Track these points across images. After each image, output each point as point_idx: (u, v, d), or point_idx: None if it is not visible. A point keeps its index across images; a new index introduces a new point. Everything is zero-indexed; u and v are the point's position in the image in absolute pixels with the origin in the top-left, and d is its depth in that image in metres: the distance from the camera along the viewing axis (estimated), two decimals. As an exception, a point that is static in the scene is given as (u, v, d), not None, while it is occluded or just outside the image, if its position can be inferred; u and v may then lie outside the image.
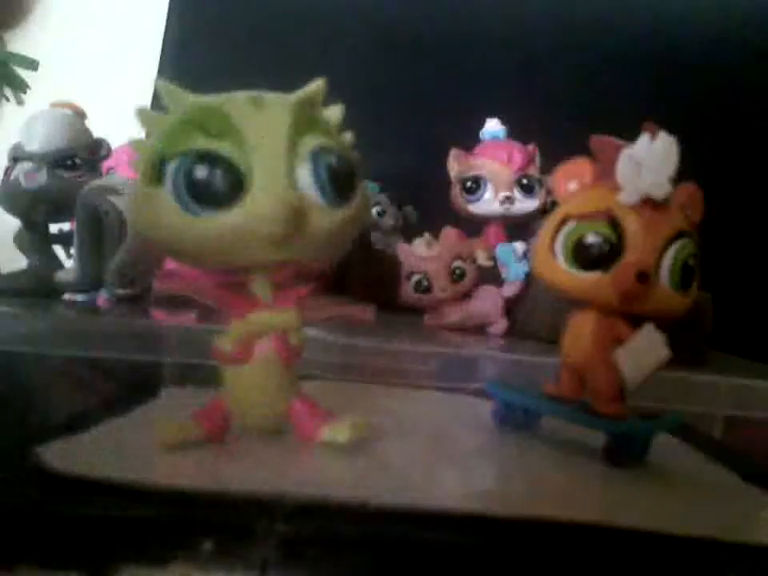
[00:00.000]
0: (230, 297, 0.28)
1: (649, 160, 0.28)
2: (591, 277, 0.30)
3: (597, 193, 0.30)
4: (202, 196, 0.24)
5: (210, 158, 0.24)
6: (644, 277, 0.28)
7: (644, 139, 0.29)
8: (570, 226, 0.30)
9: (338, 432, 0.27)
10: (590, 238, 0.29)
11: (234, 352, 0.27)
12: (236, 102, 0.26)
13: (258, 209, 0.24)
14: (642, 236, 0.29)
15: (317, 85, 0.27)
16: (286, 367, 0.28)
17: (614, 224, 0.29)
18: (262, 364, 0.27)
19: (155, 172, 0.25)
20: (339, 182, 0.25)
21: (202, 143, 0.24)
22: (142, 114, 0.26)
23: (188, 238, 0.25)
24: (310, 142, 0.25)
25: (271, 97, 0.26)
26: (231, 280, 0.28)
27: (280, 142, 0.25)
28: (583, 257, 0.30)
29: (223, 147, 0.24)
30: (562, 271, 0.30)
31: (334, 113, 0.27)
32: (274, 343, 0.27)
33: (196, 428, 0.27)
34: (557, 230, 0.31)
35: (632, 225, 0.29)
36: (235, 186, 0.24)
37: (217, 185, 0.24)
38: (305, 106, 0.26)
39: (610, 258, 0.29)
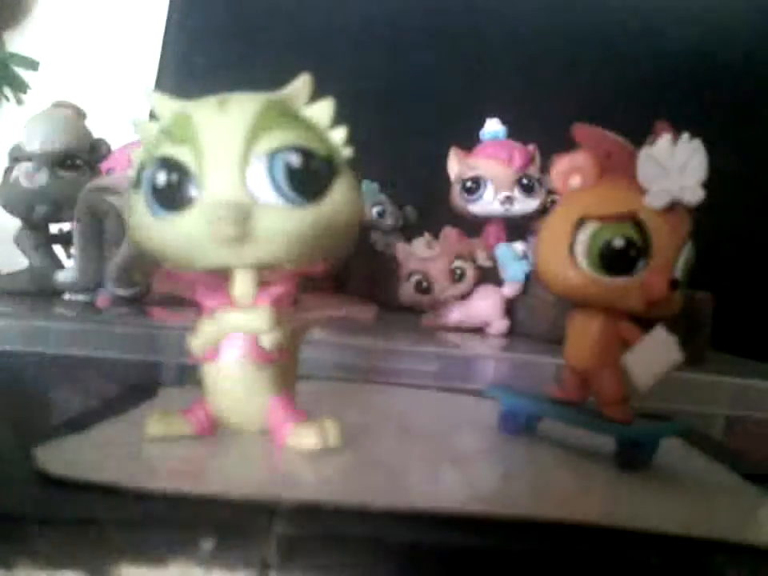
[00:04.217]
0: (206, 295, 0.28)
1: (673, 162, 0.28)
2: (617, 282, 0.29)
3: (618, 193, 0.29)
4: (162, 200, 0.25)
5: (167, 164, 0.25)
6: (675, 283, 0.28)
7: (665, 140, 0.28)
8: (592, 227, 0.29)
9: (304, 437, 0.27)
10: (619, 242, 0.28)
11: (200, 351, 0.27)
12: (202, 105, 0.26)
13: (203, 212, 0.24)
14: (668, 240, 0.28)
15: (301, 80, 0.27)
16: (258, 368, 0.27)
17: (640, 227, 0.28)
18: (231, 364, 0.27)
19: (137, 177, 0.26)
20: (301, 182, 0.25)
21: (166, 149, 0.25)
22: (137, 124, 0.27)
23: (154, 241, 0.26)
24: (270, 142, 0.25)
25: (239, 98, 0.26)
26: (221, 279, 0.28)
27: (234, 143, 0.24)
28: (612, 262, 0.28)
29: (181, 152, 0.25)
30: (584, 276, 0.29)
31: (322, 108, 0.27)
32: (243, 343, 0.27)
33: (183, 424, 0.28)
34: (574, 232, 0.29)
35: (659, 229, 0.28)
36: (189, 190, 0.25)
37: (173, 189, 0.25)
38: (274, 103, 0.26)
39: (635, 262, 0.28)
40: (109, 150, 0.66)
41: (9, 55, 1.11)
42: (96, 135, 0.66)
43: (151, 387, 0.39)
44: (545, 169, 0.69)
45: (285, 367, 0.30)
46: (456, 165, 0.72)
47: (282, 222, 0.25)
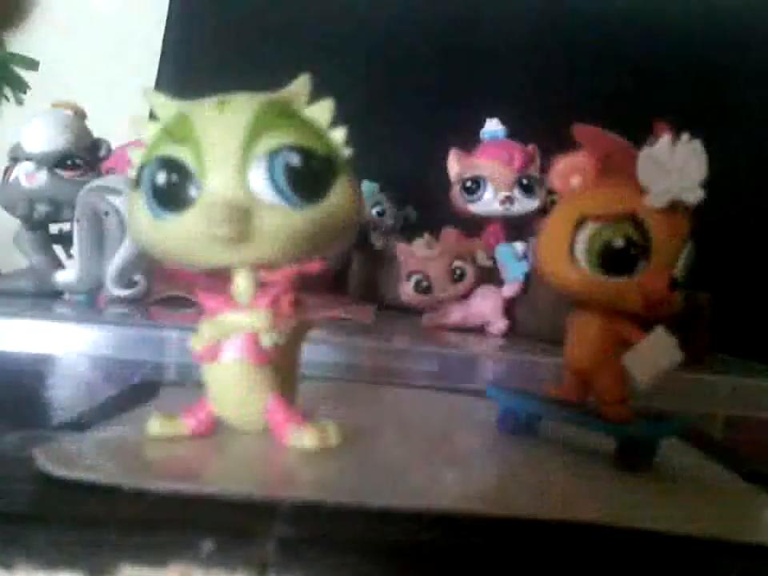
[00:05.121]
0: (207, 296, 0.28)
1: (673, 162, 0.27)
2: (617, 282, 0.29)
3: (618, 193, 0.29)
4: (162, 200, 0.25)
5: (168, 164, 0.25)
6: (675, 283, 0.28)
7: (665, 140, 0.28)
8: (592, 228, 0.29)
9: (304, 437, 0.27)
10: (619, 242, 0.28)
11: (201, 351, 0.27)
12: (202, 106, 0.26)
13: (204, 211, 0.24)
14: (668, 240, 0.28)
15: (301, 80, 0.27)
16: (259, 368, 0.28)
17: (640, 227, 0.28)
18: (231, 364, 0.27)
19: (137, 177, 0.26)
20: (300, 182, 0.25)
21: (166, 149, 0.25)
22: (134, 121, 0.27)
23: (155, 240, 0.26)
24: (270, 142, 0.25)
25: (239, 97, 0.26)
26: (220, 280, 0.28)
27: (234, 143, 0.24)
28: (611, 262, 0.28)
29: (182, 152, 0.25)
30: (584, 277, 0.29)
31: (322, 109, 0.27)
32: (243, 344, 0.27)
33: (183, 424, 0.28)
34: (574, 232, 0.29)
35: (660, 229, 0.28)
36: (190, 190, 0.25)
37: (173, 189, 0.25)
38: (274, 104, 0.26)
39: (635, 262, 0.28)
40: (109, 150, 0.66)
41: (9, 55, 1.11)
42: (96, 135, 0.66)
43: (151, 387, 0.39)
44: (545, 169, 0.69)
45: (285, 367, 0.30)
46: (456, 165, 0.72)
47: (282, 222, 0.25)
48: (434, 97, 1.00)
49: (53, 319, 0.47)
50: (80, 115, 0.66)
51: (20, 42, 1.12)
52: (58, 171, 0.62)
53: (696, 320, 0.52)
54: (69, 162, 0.63)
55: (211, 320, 0.27)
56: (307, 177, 0.25)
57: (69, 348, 0.45)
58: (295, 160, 0.25)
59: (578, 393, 0.32)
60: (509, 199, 0.69)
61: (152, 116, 0.27)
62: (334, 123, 0.27)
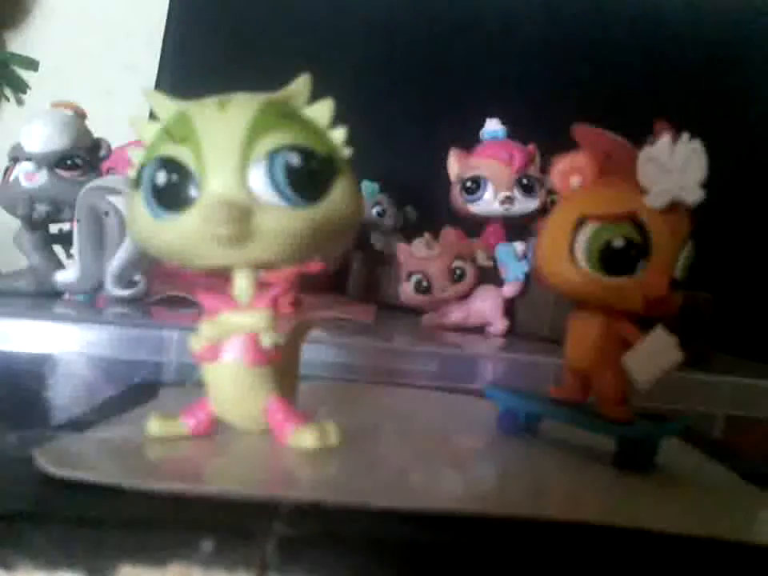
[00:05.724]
0: (207, 296, 0.28)
1: (673, 162, 0.27)
2: (617, 282, 0.29)
3: (618, 193, 0.29)
4: (162, 200, 0.25)
5: (168, 164, 0.25)
6: (675, 283, 0.28)
7: (665, 140, 0.28)
8: (592, 227, 0.29)
9: (304, 437, 0.27)
10: (619, 242, 0.28)
11: (201, 351, 0.27)
12: (202, 105, 0.26)
13: (204, 211, 0.24)
14: (668, 240, 0.28)
15: (301, 80, 0.27)
16: (258, 368, 0.28)
17: (640, 227, 0.28)
18: (231, 364, 0.27)
19: (137, 177, 0.26)
20: (301, 182, 0.25)
21: (166, 149, 0.25)
22: (134, 121, 0.27)
23: (155, 240, 0.26)
24: (270, 142, 0.25)
25: (239, 97, 0.26)
26: (220, 280, 0.28)
27: (234, 143, 0.24)
28: (611, 262, 0.29)
29: (182, 152, 0.25)
30: (584, 276, 0.29)
31: (322, 108, 0.27)
32: (244, 344, 0.27)
33: (183, 424, 0.28)
34: (574, 232, 0.29)
35: (659, 228, 0.28)
36: (190, 190, 0.25)
37: (173, 189, 0.25)
38: (274, 104, 0.26)
39: (635, 262, 0.28)
40: (109, 150, 0.66)
41: (9, 55, 1.11)
42: (96, 135, 0.66)
43: (151, 387, 0.39)
44: (545, 169, 0.69)
45: (285, 368, 0.30)
46: (456, 165, 0.72)
47: (282, 222, 0.25)
48: (434, 96, 1.00)
49: (53, 319, 0.47)
50: (80, 115, 0.66)
51: (20, 42, 1.12)
52: (58, 171, 0.62)
53: (696, 320, 0.52)
54: (69, 162, 0.63)
55: (211, 320, 0.27)
56: (307, 177, 0.25)
57: (69, 348, 0.45)
58: (295, 160, 0.25)
59: (578, 393, 0.32)
60: (509, 199, 0.68)
61: (152, 116, 0.27)
62: (334, 123, 0.27)
